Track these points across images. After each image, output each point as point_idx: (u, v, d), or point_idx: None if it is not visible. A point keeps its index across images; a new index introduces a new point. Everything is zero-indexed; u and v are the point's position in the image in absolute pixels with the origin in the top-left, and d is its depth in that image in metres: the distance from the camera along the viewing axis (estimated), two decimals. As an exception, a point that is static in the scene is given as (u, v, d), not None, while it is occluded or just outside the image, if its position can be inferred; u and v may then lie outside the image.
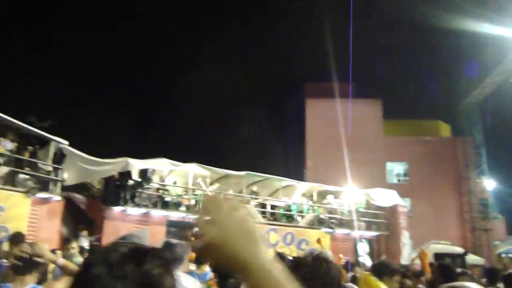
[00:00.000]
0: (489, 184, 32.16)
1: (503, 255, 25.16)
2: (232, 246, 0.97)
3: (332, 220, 20.53)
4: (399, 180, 34.03)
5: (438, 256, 18.91)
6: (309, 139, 34.59)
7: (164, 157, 17.49)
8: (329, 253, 8.19)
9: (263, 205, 20.25)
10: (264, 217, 19.48)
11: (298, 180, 22.15)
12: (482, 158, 32.42)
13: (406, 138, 34.04)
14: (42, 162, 15.32)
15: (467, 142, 32.95)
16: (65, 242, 12.18)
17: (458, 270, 10.92)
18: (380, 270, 4.45)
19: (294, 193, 21.17)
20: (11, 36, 51.37)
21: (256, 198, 19.90)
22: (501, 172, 34.11)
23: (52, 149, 15.73)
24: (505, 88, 30.41)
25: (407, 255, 19.89)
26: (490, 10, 26.49)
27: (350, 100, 30.64)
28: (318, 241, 15.93)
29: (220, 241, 0.97)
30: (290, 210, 20.40)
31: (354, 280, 7.84)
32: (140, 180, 17.09)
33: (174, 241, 3.88)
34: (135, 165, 16.59)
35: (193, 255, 7.38)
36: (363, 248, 20.23)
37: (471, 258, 22.18)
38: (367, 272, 4.91)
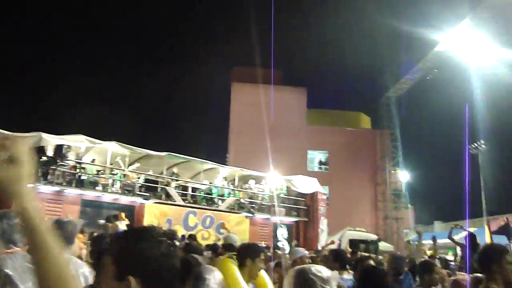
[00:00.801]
0: (403, 175, 33.79)
1: (411, 242, 26.49)
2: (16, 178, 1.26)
3: (253, 205, 20.62)
4: (320, 168, 34.84)
5: (352, 242, 19.54)
6: (233, 123, 34.57)
7: (81, 133, 16.69)
8: (235, 237, 8.00)
9: (184, 187, 19.93)
10: (184, 199, 19.17)
11: (220, 163, 22.00)
12: (398, 150, 33.93)
13: (328, 127, 34.85)
14: None
15: (385, 135, 34.35)
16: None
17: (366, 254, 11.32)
18: (243, 252, 4.35)
19: (216, 177, 21.01)
20: None
21: (177, 180, 19.52)
22: (414, 165, 35.92)
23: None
24: (422, 85, 31.99)
25: (324, 241, 20.40)
26: (415, 11, 27.64)
27: (272, 86, 30.77)
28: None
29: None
30: (211, 193, 20.23)
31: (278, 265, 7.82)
32: (54, 156, 16.16)
33: (65, 219, 3.55)
34: (49, 140, 15.62)
35: None
36: (282, 233, 20.49)
37: (382, 245, 23.17)
38: (224, 256, 4.87)
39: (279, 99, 32.10)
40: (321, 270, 2.70)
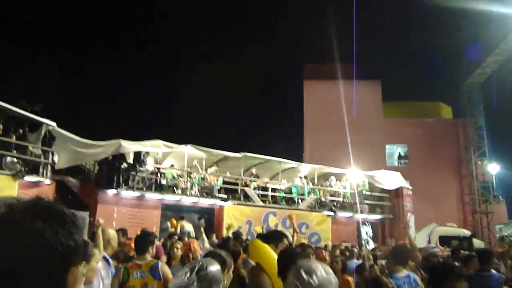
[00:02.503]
0: (493, 167, 31.53)
1: (506, 238, 24.55)
2: None
3: (334, 203, 19.93)
4: (400, 164, 33.37)
5: (443, 239, 18.29)
6: (307, 121, 33.92)
7: (159, 139, 16.85)
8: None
9: (263, 188, 19.60)
10: (263, 200, 18.86)
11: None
12: (484, 140, 31.78)
13: (406, 120, 33.32)
14: (29, 144, 14.65)
15: (468, 124, 32.25)
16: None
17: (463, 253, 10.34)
18: (266, 239, 4.68)
19: (295, 176, 20.52)
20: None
21: (255, 181, 19.24)
22: (504, 155, 33.49)
23: (43, 132, 15.06)
24: (506, 68, 29.74)
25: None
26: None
27: (354, 82, 29.89)
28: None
29: None
30: (290, 193, 19.77)
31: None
32: (133, 162, 16.44)
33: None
34: (128, 147, 16.02)
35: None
36: (366, 232, 19.63)
37: (475, 241, 21.61)
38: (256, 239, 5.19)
39: (353, 94, 31.16)
40: (315, 273, 2.25)
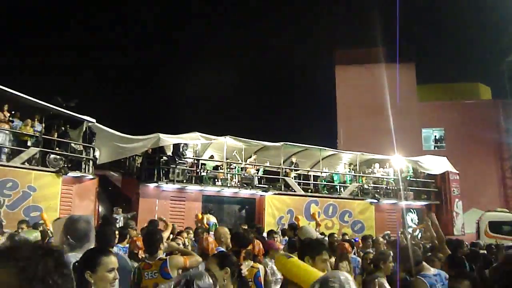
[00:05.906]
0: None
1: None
2: None
3: (377, 190, 19.45)
4: (436, 147, 32.51)
5: (493, 224, 17.62)
6: (340, 107, 33.32)
7: (197, 131, 16.72)
8: (309, 230, 6.79)
9: (305, 177, 19.26)
10: (305, 188, 18.55)
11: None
12: (526, 121, 30.65)
13: (442, 102, 32.37)
14: (71, 141, 14.71)
15: (508, 105, 31.15)
16: (102, 220, 11.94)
17: None
18: (302, 249, 3.97)
19: (337, 163, 20.12)
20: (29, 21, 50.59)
21: (296, 170, 18.92)
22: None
23: (83, 129, 15.14)
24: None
25: (460, 226, 18.70)
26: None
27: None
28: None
29: None
30: (332, 181, 19.39)
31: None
32: (173, 155, 16.35)
33: (76, 216, 3.63)
34: (167, 140, 16.01)
35: None
36: (411, 219, 19.13)
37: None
38: (282, 253, 4.59)
39: (387, 78, 30.40)
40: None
